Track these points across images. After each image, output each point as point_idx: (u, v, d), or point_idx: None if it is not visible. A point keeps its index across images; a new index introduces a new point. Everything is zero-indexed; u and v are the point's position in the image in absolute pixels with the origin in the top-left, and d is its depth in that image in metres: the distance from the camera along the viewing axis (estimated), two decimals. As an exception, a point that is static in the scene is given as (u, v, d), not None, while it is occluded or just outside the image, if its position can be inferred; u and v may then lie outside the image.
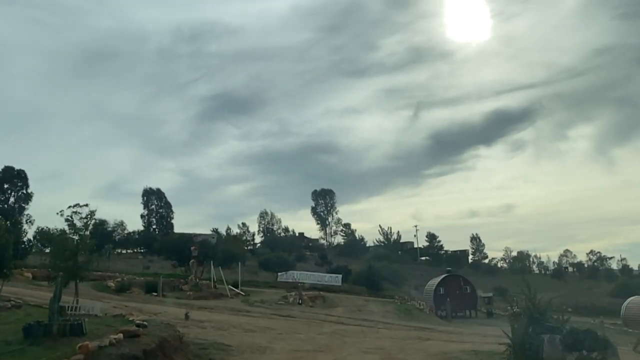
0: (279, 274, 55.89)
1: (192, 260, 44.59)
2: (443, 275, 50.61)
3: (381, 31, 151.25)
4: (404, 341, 19.31)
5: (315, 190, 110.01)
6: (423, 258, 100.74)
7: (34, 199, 63.86)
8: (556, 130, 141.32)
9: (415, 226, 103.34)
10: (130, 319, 13.09)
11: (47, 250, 18.77)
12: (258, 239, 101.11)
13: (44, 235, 19.74)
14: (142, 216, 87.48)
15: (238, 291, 42.05)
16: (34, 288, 28.34)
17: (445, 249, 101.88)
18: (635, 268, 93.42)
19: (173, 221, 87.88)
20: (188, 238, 51.78)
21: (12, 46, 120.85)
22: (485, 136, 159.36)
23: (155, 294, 35.55)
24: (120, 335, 9.66)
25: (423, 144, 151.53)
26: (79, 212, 18.15)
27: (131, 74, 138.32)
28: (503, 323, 29.21)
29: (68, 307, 13.64)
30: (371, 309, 37.43)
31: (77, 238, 17.55)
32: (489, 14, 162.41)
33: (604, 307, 49.51)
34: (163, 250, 59.08)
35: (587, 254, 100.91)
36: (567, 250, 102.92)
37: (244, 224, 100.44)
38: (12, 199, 64.03)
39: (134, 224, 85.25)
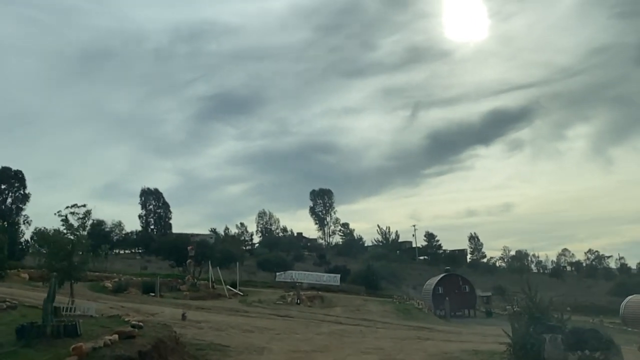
0: (277, 274, 55.71)
1: (189, 260, 44.42)
2: (442, 275, 50.55)
3: (379, 31, 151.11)
4: (403, 341, 19.18)
5: (314, 190, 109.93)
6: (421, 257, 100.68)
7: (31, 199, 63.65)
8: (554, 130, 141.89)
9: (414, 226, 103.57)
10: (126, 319, 12.93)
11: (44, 251, 18.54)
12: (256, 239, 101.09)
13: (40, 235, 19.54)
14: (139, 216, 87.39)
15: (236, 291, 41.88)
16: (30, 289, 28.10)
17: (443, 248, 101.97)
18: (634, 267, 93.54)
19: (171, 221, 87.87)
20: (186, 238, 51.74)
21: (9, 46, 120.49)
22: (483, 136, 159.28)
23: (153, 294, 35.36)
24: (115, 337, 9.52)
25: (421, 144, 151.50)
26: (77, 213, 18.02)
27: (129, 74, 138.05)
28: (502, 322, 29.13)
29: (63, 307, 13.47)
30: (370, 309, 37.30)
31: (72, 238, 17.35)
32: (486, 13, 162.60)
33: (602, 306, 49.49)
34: (161, 250, 58.99)
35: (586, 253, 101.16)
36: (565, 250, 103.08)
37: (242, 224, 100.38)
38: (9, 200, 63.77)
39: (132, 225, 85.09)
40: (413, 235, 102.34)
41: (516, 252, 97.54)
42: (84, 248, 18.12)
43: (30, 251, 45.36)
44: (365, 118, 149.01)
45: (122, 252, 77.89)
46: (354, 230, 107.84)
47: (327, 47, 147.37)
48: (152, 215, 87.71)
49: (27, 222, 59.61)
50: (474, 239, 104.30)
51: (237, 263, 50.44)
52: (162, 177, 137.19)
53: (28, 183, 64.28)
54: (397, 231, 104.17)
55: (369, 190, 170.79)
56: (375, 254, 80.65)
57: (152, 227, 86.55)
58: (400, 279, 65.13)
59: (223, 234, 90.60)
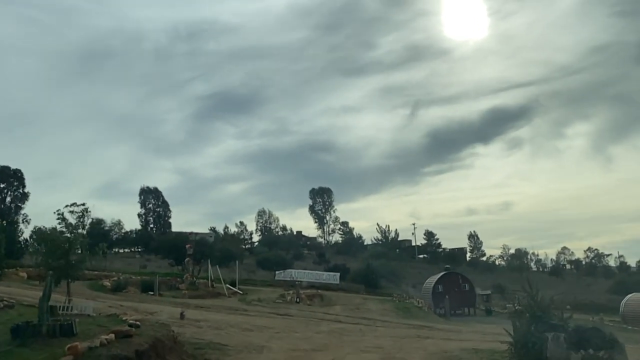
0: (277, 272, 55.64)
1: (187, 259, 44.31)
2: (441, 273, 50.47)
3: (379, 29, 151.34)
4: (402, 340, 19.07)
5: (313, 189, 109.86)
6: (421, 256, 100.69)
7: (30, 198, 63.64)
8: (553, 128, 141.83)
9: (413, 224, 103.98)
10: (124, 318, 12.81)
11: (44, 250, 18.42)
12: (256, 238, 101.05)
13: (39, 234, 19.43)
14: (139, 215, 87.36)
15: (235, 290, 41.82)
16: (28, 288, 28.00)
17: (443, 246, 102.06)
18: (633, 265, 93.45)
19: (171, 220, 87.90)
20: (185, 237, 51.57)
21: (9, 45, 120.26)
22: (482, 134, 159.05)
23: (152, 293, 35.30)
24: (112, 336, 9.40)
25: (421, 142, 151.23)
26: (75, 212, 17.91)
27: (128, 73, 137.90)
28: (502, 321, 29.06)
29: (60, 306, 13.35)
30: (369, 307, 37.22)
31: (69, 236, 17.22)
32: (486, 12, 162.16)
33: (602, 304, 49.43)
34: (160, 249, 58.89)
35: (585, 251, 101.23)
36: (564, 248, 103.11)
37: (241, 223, 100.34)
38: (8, 199, 63.72)
39: (132, 224, 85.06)
40: (412, 233, 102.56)
41: (516, 250, 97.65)
42: (82, 246, 18.00)
43: (29, 250, 45.35)
44: (364, 117, 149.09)
45: (121, 251, 77.90)
46: (353, 228, 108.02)
47: (326, 45, 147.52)
48: (151, 214, 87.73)
49: (26, 221, 59.64)
50: (473, 237, 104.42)
51: (237, 262, 50.40)
52: (162, 177, 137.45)
53: (27, 182, 64.35)
54: (396, 230, 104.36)
55: (368, 188, 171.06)
56: (375, 253, 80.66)
57: (151, 226, 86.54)
58: (399, 277, 65.11)
59: (222, 232, 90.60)
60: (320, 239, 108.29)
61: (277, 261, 63.63)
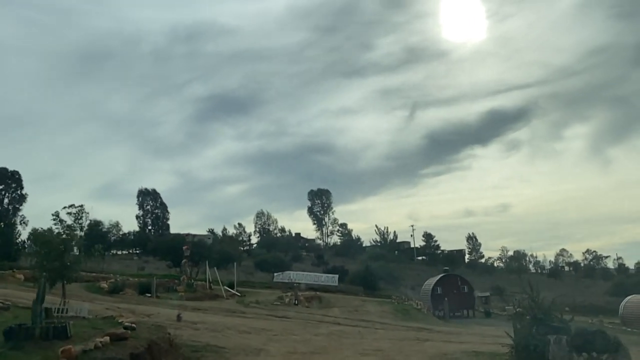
0: (275, 274, 55.44)
1: (184, 260, 44.08)
2: (440, 275, 50.36)
3: (377, 31, 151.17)
4: (402, 342, 18.95)
5: (312, 191, 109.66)
6: (419, 258, 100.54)
7: (28, 200, 63.52)
8: (551, 130, 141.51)
9: (412, 226, 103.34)
10: (120, 321, 12.65)
11: (43, 252, 18.23)
12: (254, 240, 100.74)
13: (35, 236, 19.26)
14: (137, 217, 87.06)
15: (234, 292, 41.61)
16: (25, 290, 27.77)
17: (441, 248, 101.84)
18: (632, 267, 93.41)
19: (169, 222, 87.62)
20: (182, 238, 51.41)
21: (8, 46, 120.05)
22: (480, 136, 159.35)
23: (149, 295, 35.09)
24: (107, 339, 9.25)
25: (419, 144, 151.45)
26: (72, 213, 17.77)
27: (127, 75, 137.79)
28: (501, 323, 28.92)
29: (55, 309, 13.18)
30: (368, 310, 37.08)
31: (64, 237, 17.02)
32: (484, 14, 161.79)
33: (601, 306, 49.38)
34: (158, 250, 58.65)
35: (583, 253, 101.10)
36: (563, 250, 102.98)
37: (240, 225, 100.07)
38: (6, 200, 63.49)
39: (130, 225, 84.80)
40: (411, 235, 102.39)
41: (514, 252, 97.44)
42: (78, 246, 17.84)
43: (27, 252, 45.18)
44: (362, 118, 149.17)
45: (119, 252, 77.60)
46: (352, 230, 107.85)
47: (324, 47, 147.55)
48: (149, 215, 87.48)
49: (24, 223, 59.44)
50: (472, 239, 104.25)
51: (235, 263, 50.20)
52: (161, 178, 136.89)
53: (25, 184, 64.22)
54: (395, 231, 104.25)
55: (366, 190, 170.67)
56: (374, 255, 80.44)
57: (149, 227, 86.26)
58: (398, 279, 64.91)
59: (221, 234, 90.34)
60: (318, 241, 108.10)
61: (275, 263, 63.39)
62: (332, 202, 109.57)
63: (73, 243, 17.36)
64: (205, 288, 41.17)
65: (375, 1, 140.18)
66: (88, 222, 19.50)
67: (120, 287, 36.54)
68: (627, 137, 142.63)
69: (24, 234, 53.24)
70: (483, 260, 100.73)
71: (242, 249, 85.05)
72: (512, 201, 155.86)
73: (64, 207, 17.77)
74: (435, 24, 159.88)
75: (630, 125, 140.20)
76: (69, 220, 17.67)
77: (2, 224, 56.80)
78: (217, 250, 55.01)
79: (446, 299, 43.43)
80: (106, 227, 66.40)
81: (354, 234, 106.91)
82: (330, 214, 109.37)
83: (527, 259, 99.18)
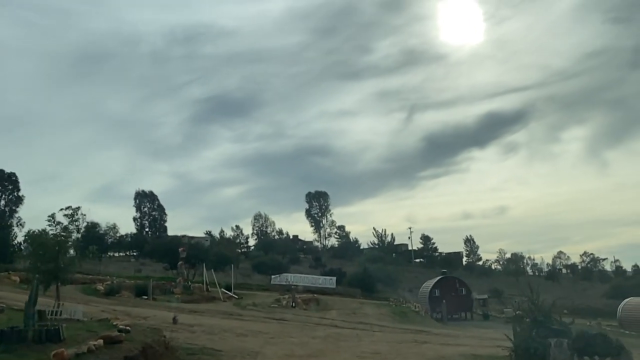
0: (273, 276, 55.29)
1: (180, 262, 43.87)
2: (438, 277, 50.20)
3: (375, 34, 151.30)
4: (400, 345, 18.82)
5: (310, 193, 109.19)
6: (417, 260, 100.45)
7: (25, 202, 63.18)
8: (549, 133, 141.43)
9: (410, 228, 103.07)
10: (115, 323, 12.48)
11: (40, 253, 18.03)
12: (252, 242, 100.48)
13: (31, 237, 19.06)
14: (134, 219, 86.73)
15: (231, 294, 41.46)
16: (20, 292, 27.55)
17: (439, 251, 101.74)
18: (629, 269, 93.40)
19: (166, 224, 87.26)
20: (180, 240, 51.22)
21: (5, 48, 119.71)
22: (478, 138, 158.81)
23: (146, 297, 34.91)
24: (100, 342, 9.08)
25: (417, 146, 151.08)
26: (67, 215, 17.58)
27: (125, 76, 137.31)
28: (499, 325, 28.79)
29: (49, 311, 13.00)
30: (366, 312, 36.95)
31: (59, 238, 16.83)
32: (482, 17, 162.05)
33: (598, 308, 49.33)
34: (155, 253, 58.46)
35: (581, 256, 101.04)
36: (560, 252, 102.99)
37: (237, 227, 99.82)
38: (2, 202, 63.20)
39: (127, 227, 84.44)
40: (409, 237, 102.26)
41: (512, 254, 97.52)
42: (74, 247, 17.65)
43: (24, 253, 44.96)
44: (361, 121, 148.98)
45: (116, 254, 77.31)
46: (349, 232, 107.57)
47: (323, 49, 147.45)
48: (146, 217, 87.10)
49: (20, 225, 59.17)
50: (469, 241, 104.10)
51: (232, 266, 50.03)
52: (158, 180, 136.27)
53: (22, 185, 63.90)
54: (392, 234, 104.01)
55: (364, 192, 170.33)
56: (371, 257, 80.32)
57: (147, 229, 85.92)
58: (396, 281, 64.82)
59: (218, 236, 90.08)
60: (316, 243, 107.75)
61: (273, 265, 63.24)
62: (329, 204, 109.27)
63: (69, 244, 17.16)
64: (202, 290, 41.00)
65: (374, 4, 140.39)
66: (85, 224, 19.24)
67: (116, 289, 36.35)
68: (625, 139, 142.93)
69: (20, 236, 52.97)
70: (481, 263, 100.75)
71: (239, 251, 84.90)
72: (509, 203, 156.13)
73: (61, 209, 17.59)
74: (433, 27, 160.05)
75: (628, 128, 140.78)
76: (65, 222, 17.48)
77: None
78: (215, 253, 54.90)
79: (444, 301, 43.27)
80: (103, 229, 66.20)
81: (352, 236, 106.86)
82: (328, 216, 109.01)
83: (525, 261, 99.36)
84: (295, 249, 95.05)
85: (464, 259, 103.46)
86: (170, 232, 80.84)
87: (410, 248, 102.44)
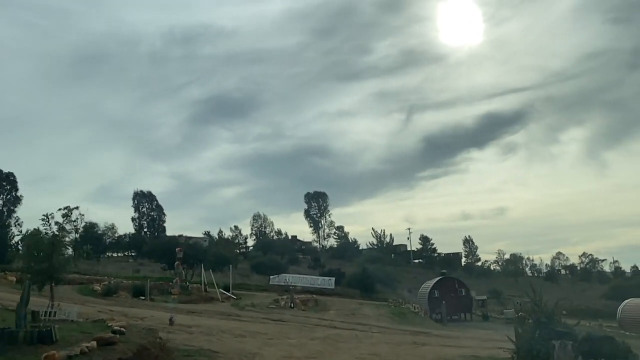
0: (272, 277, 55.09)
1: (177, 263, 43.61)
2: (438, 278, 50.01)
3: (374, 34, 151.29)
4: (399, 347, 18.62)
5: (309, 193, 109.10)
6: (416, 261, 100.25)
7: (24, 202, 63.11)
8: (548, 134, 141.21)
9: (409, 229, 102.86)
10: (110, 324, 12.27)
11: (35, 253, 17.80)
12: (251, 242, 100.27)
13: (26, 237, 18.84)
14: (133, 220, 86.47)
15: (229, 295, 41.26)
16: (17, 292, 27.27)
17: (438, 252, 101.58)
18: (628, 270, 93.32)
19: (165, 225, 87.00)
20: (177, 241, 50.97)
21: (4, 48, 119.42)
22: (477, 139, 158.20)
23: (143, 298, 34.70)
24: (94, 344, 8.88)
25: (416, 147, 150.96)
26: (66, 215, 17.37)
27: (123, 77, 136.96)
28: (500, 327, 28.62)
29: (43, 312, 12.79)
30: (365, 313, 36.76)
31: (54, 237, 16.58)
32: (481, 18, 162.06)
33: (598, 309, 49.21)
34: (153, 253, 58.21)
35: (580, 257, 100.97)
36: (559, 253, 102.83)
37: (236, 227, 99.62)
38: (0, 202, 63.06)
39: (126, 228, 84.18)
40: (408, 238, 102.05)
41: (511, 255, 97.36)
42: (72, 246, 17.43)
43: (21, 254, 44.68)
44: (360, 122, 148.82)
45: (114, 255, 77.09)
46: (348, 233, 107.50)
47: (322, 50, 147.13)
48: (145, 218, 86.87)
49: (19, 225, 59.00)
50: (468, 242, 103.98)
51: (231, 266, 49.83)
52: (157, 181, 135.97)
53: (21, 186, 63.80)
54: (391, 234, 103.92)
55: (363, 193, 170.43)
56: (370, 258, 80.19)
57: (145, 230, 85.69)
58: (395, 282, 64.65)
59: (217, 237, 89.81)
60: (315, 244, 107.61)
61: (272, 266, 63.03)
62: (329, 205, 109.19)
63: (64, 244, 16.92)
64: (200, 291, 40.79)
65: (373, 4, 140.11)
66: (83, 224, 19.04)
67: (114, 289, 36.15)
68: (623, 141, 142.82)
69: (18, 236, 52.76)
70: (480, 264, 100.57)
71: (238, 251, 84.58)
72: (508, 205, 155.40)
73: (60, 210, 17.37)
74: (433, 28, 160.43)
75: (626, 130, 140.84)
76: (62, 222, 17.25)
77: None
78: (213, 253, 54.65)
79: (444, 302, 43.06)
80: (102, 229, 66.02)
81: (351, 237, 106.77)
82: (327, 217, 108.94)
83: (524, 262, 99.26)
84: (294, 249, 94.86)
85: (463, 259, 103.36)
86: (169, 233, 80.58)
87: (409, 249, 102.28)
